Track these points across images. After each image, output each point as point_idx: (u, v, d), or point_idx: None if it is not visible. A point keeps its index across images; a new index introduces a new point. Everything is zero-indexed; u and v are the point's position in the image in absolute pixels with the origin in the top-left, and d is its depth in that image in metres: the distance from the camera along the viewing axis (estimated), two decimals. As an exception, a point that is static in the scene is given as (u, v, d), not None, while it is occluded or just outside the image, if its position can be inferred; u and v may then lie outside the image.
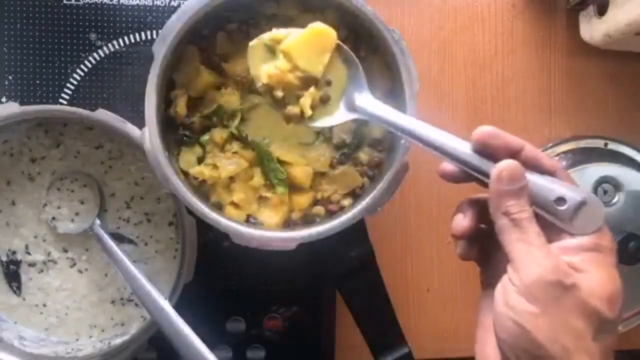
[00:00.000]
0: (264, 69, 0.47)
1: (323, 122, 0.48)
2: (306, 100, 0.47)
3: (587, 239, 0.39)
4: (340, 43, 0.48)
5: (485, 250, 0.45)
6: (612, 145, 0.69)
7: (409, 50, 0.51)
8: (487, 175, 0.41)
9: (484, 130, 0.41)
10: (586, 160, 0.65)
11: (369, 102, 0.47)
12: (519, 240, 0.39)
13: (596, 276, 0.38)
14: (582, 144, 0.69)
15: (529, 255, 0.38)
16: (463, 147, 0.42)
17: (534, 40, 0.69)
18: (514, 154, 0.41)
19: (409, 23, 0.68)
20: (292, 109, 0.47)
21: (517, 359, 0.38)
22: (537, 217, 0.40)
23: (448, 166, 0.43)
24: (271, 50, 0.48)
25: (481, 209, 0.44)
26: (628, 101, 0.70)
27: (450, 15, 0.68)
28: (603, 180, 0.64)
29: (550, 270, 0.37)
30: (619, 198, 0.64)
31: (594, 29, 0.65)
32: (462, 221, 0.44)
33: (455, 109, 0.68)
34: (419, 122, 0.45)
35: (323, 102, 0.48)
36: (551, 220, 0.40)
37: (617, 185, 0.64)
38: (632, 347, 0.70)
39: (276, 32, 0.47)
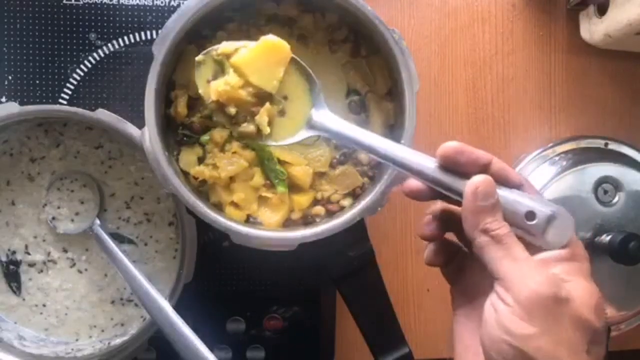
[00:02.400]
0: (213, 85, 0.45)
1: (281, 141, 0.46)
2: (262, 117, 0.45)
3: (563, 250, 0.38)
4: (296, 57, 0.46)
5: (455, 266, 0.45)
6: (612, 145, 0.69)
7: (409, 50, 0.51)
8: (455, 192, 0.40)
9: (451, 146, 0.39)
10: (586, 160, 0.65)
11: (327, 118, 0.45)
12: (504, 257, 0.37)
13: (580, 286, 0.38)
14: (582, 144, 0.69)
15: (519, 271, 0.37)
16: (428, 164, 0.40)
17: (534, 40, 0.69)
18: (482, 168, 0.39)
19: (409, 23, 0.68)
20: (247, 127, 0.45)
21: None
22: None
23: (413, 183, 0.42)
24: (220, 65, 0.45)
25: (451, 217, 0.43)
26: (628, 101, 0.70)
27: (450, 15, 0.68)
28: (603, 180, 0.64)
29: (545, 284, 0.36)
30: (619, 198, 0.64)
31: (594, 29, 0.65)
32: (430, 224, 0.43)
33: (456, 109, 0.68)
34: (381, 138, 0.43)
35: (280, 118, 0.46)
36: (521, 236, 0.38)
37: (617, 185, 0.64)
38: (632, 347, 0.70)
39: (225, 46, 0.45)
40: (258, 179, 0.52)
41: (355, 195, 0.54)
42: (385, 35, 0.50)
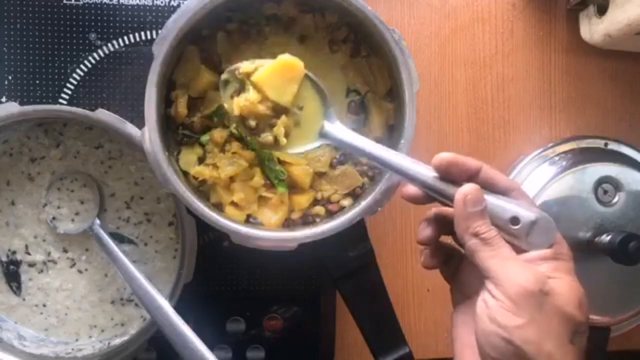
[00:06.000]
0: (236, 101, 0.49)
1: (296, 149, 0.50)
2: (279, 129, 0.48)
3: (548, 250, 0.41)
4: (309, 73, 0.49)
5: (453, 267, 0.48)
6: (612, 145, 0.69)
7: (409, 50, 0.51)
8: (449, 198, 0.43)
9: (444, 157, 0.43)
10: (586, 160, 0.65)
11: (338, 129, 0.49)
12: (493, 256, 0.40)
13: (564, 282, 0.40)
14: (582, 144, 0.69)
15: (507, 269, 0.40)
16: (425, 172, 0.44)
17: (534, 40, 0.69)
18: (473, 176, 0.43)
19: (409, 23, 0.68)
20: (266, 137, 0.49)
21: None
22: None
23: (410, 189, 0.46)
24: (241, 83, 0.49)
25: (445, 220, 0.46)
26: (628, 101, 0.70)
27: (450, 15, 0.68)
28: (603, 180, 0.64)
29: (531, 279, 0.39)
30: (619, 198, 0.64)
31: (594, 29, 0.65)
32: (425, 230, 0.46)
33: (456, 109, 0.68)
34: (383, 148, 0.47)
35: (295, 128, 0.50)
36: (507, 239, 0.41)
37: (617, 185, 0.64)
38: (632, 347, 0.70)
39: (246, 65, 0.49)
40: (258, 179, 0.52)
41: (355, 195, 0.54)
42: (385, 36, 0.50)
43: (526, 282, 0.39)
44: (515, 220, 0.41)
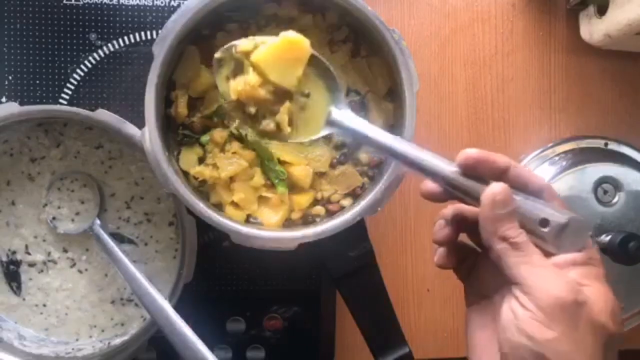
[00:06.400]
0: (233, 85, 0.44)
1: (300, 138, 0.46)
2: (283, 116, 0.44)
3: (578, 254, 0.39)
4: (316, 53, 0.45)
5: (468, 266, 0.45)
6: (612, 145, 0.69)
7: (409, 50, 0.51)
8: (472, 197, 0.40)
9: (471, 154, 0.40)
10: (586, 160, 0.65)
11: (348, 117, 0.45)
12: (524, 263, 0.38)
13: (597, 291, 0.38)
14: (582, 144, 0.69)
15: (540, 277, 0.37)
16: (447, 167, 0.41)
17: (534, 40, 0.69)
18: (501, 174, 0.40)
19: (409, 23, 0.68)
20: (268, 124, 0.45)
21: None
22: None
23: (430, 186, 0.42)
24: (239, 63, 0.45)
25: (463, 219, 0.44)
26: (628, 101, 0.70)
27: (450, 15, 0.68)
28: (603, 180, 0.64)
29: (565, 289, 0.36)
30: (619, 198, 0.64)
31: (594, 29, 0.65)
32: (443, 229, 0.44)
33: (455, 109, 0.68)
34: (401, 141, 0.44)
35: (300, 115, 0.45)
36: (534, 241, 0.39)
37: (617, 185, 0.64)
38: (632, 347, 0.70)
39: (244, 43, 0.44)
40: (258, 179, 0.52)
41: (355, 195, 0.54)
42: (385, 36, 0.50)
43: (560, 292, 0.36)
44: (544, 222, 0.38)
